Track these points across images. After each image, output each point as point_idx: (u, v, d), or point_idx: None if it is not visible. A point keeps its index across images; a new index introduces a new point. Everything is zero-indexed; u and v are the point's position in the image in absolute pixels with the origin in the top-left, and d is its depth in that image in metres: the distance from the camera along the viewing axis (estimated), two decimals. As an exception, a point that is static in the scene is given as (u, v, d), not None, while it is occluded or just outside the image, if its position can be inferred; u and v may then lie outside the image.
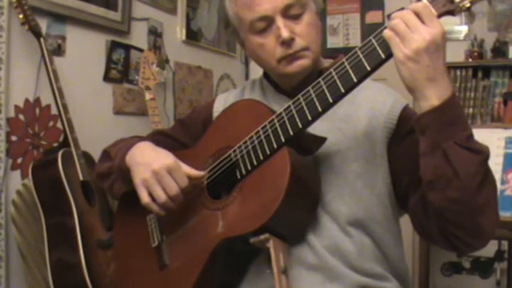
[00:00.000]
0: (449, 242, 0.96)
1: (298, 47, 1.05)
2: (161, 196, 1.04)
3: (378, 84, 1.14)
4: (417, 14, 0.87)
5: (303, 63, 1.07)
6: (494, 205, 0.93)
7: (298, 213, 1.01)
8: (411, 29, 0.86)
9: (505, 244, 2.59)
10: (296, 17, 1.06)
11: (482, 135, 1.67)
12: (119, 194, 1.21)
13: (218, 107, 1.25)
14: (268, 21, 1.05)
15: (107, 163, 1.19)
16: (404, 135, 1.06)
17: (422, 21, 0.86)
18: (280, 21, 1.04)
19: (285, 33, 1.03)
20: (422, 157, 0.92)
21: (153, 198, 1.05)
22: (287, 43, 1.04)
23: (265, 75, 1.23)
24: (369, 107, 1.09)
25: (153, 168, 1.04)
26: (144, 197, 1.06)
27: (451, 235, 0.94)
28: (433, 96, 0.87)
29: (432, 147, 0.89)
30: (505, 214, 1.60)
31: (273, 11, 1.04)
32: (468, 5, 0.87)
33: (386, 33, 0.89)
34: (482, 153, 0.89)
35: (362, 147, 1.06)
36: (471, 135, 0.90)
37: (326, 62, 1.17)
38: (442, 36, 0.87)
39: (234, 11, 1.10)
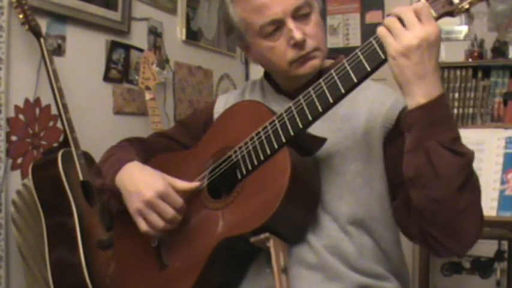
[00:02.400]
0: (427, 243, 0.97)
1: (310, 48, 1.06)
2: (159, 223, 1.04)
3: (378, 85, 1.14)
4: (416, 12, 0.87)
5: (314, 63, 1.07)
6: (477, 212, 0.93)
7: (298, 213, 1.02)
8: (407, 25, 0.87)
9: (505, 244, 2.60)
10: (305, 18, 1.06)
11: (482, 135, 1.68)
12: (116, 208, 1.21)
13: (219, 107, 1.25)
14: (278, 24, 1.05)
15: (99, 180, 1.18)
16: (399, 134, 1.06)
17: (420, 20, 0.87)
18: (291, 24, 1.04)
19: (298, 35, 1.03)
20: (406, 154, 0.92)
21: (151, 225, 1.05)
22: (300, 45, 1.05)
23: (266, 76, 1.23)
24: (368, 107, 1.09)
25: (145, 198, 1.03)
26: (143, 226, 1.06)
27: (429, 235, 0.95)
28: (420, 94, 0.88)
29: (415, 145, 0.90)
30: (505, 214, 1.60)
31: (284, 14, 1.04)
32: (467, 6, 0.88)
33: (381, 30, 0.90)
34: (465, 156, 0.89)
35: (361, 147, 1.07)
36: (457, 138, 0.89)
37: (326, 62, 1.17)
38: (437, 36, 0.87)
39: (241, 17, 1.09)
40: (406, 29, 0.87)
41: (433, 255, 1.02)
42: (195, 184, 1.09)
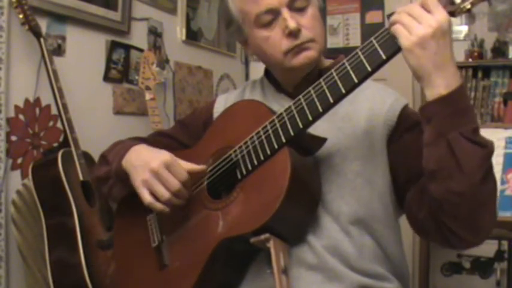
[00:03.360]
0: (444, 237, 0.96)
1: (304, 38, 1.06)
2: (164, 193, 1.04)
3: (378, 85, 1.14)
4: (423, 6, 0.87)
5: (309, 54, 1.07)
6: (494, 203, 0.93)
7: (298, 213, 1.02)
8: (417, 18, 0.87)
9: (505, 244, 2.59)
10: (301, 10, 1.07)
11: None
12: (118, 197, 1.21)
13: (218, 107, 1.25)
14: (274, 14, 1.06)
15: (105, 167, 1.19)
16: (403, 131, 1.07)
17: (428, 11, 0.87)
18: (286, 13, 1.05)
19: (292, 24, 1.04)
20: (426, 147, 0.91)
21: (156, 197, 1.05)
22: (294, 34, 1.05)
23: (266, 74, 1.23)
24: (369, 106, 1.09)
25: (151, 167, 1.04)
26: (146, 198, 1.06)
27: (446, 229, 0.94)
28: (441, 85, 0.87)
29: (437, 137, 0.89)
30: (504, 214, 1.61)
31: (279, 3, 1.05)
32: (469, 6, 0.88)
33: (393, 27, 0.89)
34: (486, 147, 0.89)
35: (362, 146, 1.07)
36: (477, 128, 0.89)
37: (326, 62, 1.17)
38: (449, 23, 0.87)
39: (239, 7, 1.10)
40: (417, 21, 0.86)
41: (446, 247, 1.01)
42: (200, 167, 1.08)
